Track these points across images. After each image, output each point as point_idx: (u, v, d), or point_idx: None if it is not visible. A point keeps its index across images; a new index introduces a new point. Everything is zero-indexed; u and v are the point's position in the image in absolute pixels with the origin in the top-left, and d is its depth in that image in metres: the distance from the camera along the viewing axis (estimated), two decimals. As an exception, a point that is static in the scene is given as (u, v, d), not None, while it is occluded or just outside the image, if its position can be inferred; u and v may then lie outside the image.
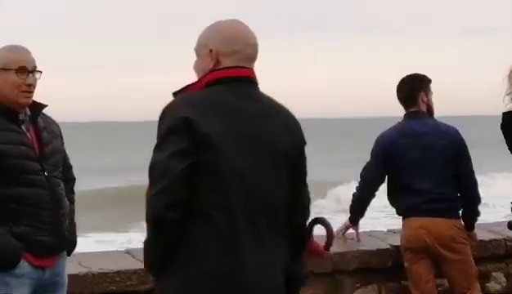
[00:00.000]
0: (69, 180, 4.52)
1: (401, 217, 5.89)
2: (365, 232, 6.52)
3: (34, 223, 4.14)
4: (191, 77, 3.51)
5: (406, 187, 5.75)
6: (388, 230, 6.75)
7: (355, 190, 6.03)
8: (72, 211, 4.46)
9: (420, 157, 5.72)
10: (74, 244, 4.48)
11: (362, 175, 5.95)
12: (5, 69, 4.20)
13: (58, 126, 4.46)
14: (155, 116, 3.35)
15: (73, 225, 4.46)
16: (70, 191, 4.51)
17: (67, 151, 4.54)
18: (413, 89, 5.88)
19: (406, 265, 5.82)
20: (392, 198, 5.89)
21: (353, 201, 6.04)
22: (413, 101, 5.86)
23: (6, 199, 4.09)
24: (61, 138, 4.45)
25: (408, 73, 5.99)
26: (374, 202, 6.04)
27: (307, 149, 3.56)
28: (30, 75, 4.21)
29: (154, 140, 3.32)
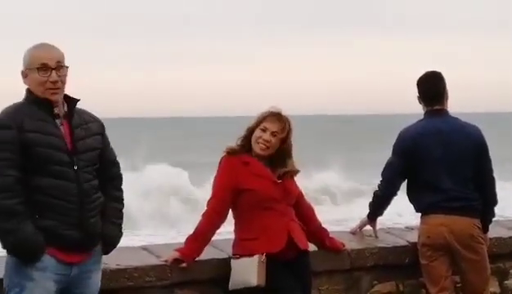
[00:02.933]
0: (114, 177, 4.52)
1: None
2: (383, 229, 6.51)
3: (60, 217, 4.16)
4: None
5: (427, 184, 5.72)
6: (406, 227, 6.73)
7: (376, 188, 6.00)
8: (114, 209, 4.46)
9: (443, 155, 5.68)
10: (110, 243, 4.47)
11: (383, 173, 5.91)
12: (29, 69, 4.27)
13: (99, 124, 4.46)
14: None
15: (112, 223, 4.43)
16: (115, 189, 4.50)
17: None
18: (439, 86, 5.83)
19: (423, 261, 5.79)
20: (413, 194, 5.85)
21: (373, 198, 6.01)
22: (439, 98, 5.81)
23: (32, 189, 4.11)
24: (102, 135, 4.45)
25: (430, 70, 5.92)
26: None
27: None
28: (53, 72, 4.24)
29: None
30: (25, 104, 4.24)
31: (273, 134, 5.18)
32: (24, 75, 4.28)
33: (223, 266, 5.26)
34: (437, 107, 5.80)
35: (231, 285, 5.18)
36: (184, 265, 5.18)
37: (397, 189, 5.90)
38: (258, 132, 5.20)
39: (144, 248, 5.71)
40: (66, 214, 4.17)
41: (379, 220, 6.14)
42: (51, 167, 4.15)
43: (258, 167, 5.18)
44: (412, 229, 6.57)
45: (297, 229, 5.25)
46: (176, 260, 5.19)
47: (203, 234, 5.18)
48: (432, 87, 5.83)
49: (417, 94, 5.89)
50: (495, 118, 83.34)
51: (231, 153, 5.21)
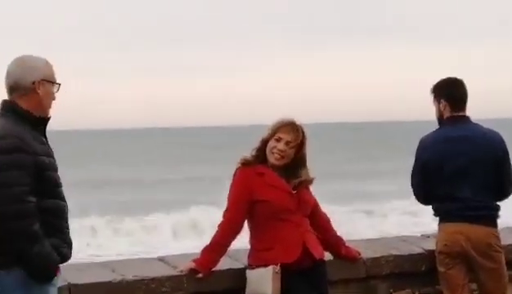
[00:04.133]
0: None
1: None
2: (398, 237, 6.50)
3: (60, 235, 4.25)
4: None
5: (446, 192, 5.68)
6: (422, 235, 6.72)
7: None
8: None
9: (464, 162, 5.64)
10: None
11: (411, 180, 5.87)
12: (50, 82, 4.29)
13: None
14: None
15: None
16: None
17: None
18: (464, 93, 5.79)
19: (440, 269, 5.78)
20: (432, 201, 5.81)
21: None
22: (463, 105, 5.77)
23: (43, 211, 4.15)
24: None
25: (452, 76, 5.86)
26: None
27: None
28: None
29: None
30: (20, 123, 4.19)
31: (288, 143, 5.18)
32: (38, 86, 4.23)
33: (239, 277, 5.27)
34: (460, 113, 5.76)
35: None
36: (200, 275, 5.20)
37: (428, 192, 5.79)
38: (272, 143, 5.20)
39: (160, 259, 5.73)
40: (64, 233, 4.28)
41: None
42: (57, 190, 4.24)
43: (273, 178, 5.19)
44: (428, 236, 6.57)
45: (312, 239, 5.26)
46: (192, 271, 5.21)
47: (219, 245, 5.20)
48: (458, 93, 5.78)
49: (438, 99, 5.79)
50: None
51: (245, 164, 5.22)
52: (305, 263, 5.15)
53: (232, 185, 5.24)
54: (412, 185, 5.87)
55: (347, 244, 5.68)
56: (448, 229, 5.72)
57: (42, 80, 4.26)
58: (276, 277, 5.06)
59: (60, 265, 4.28)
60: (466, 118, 5.78)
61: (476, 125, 5.79)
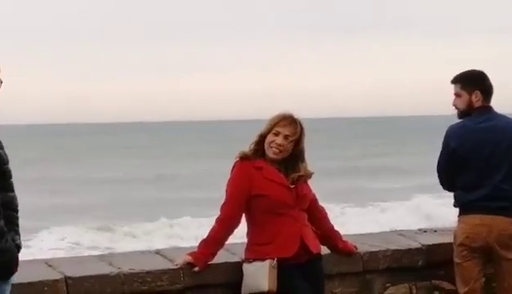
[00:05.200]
0: None
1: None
2: (395, 231, 6.50)
3: (15, 227, 4.19)
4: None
5: (469, 182, 5.66)
6: (419, 229, 6.72)
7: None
8: None
9: (489, 153, 5.62)
10: None
11: (437, 167, 5.85)
12: None
13: None
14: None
15: None
16: None
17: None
18: (492, 85, 5.80)
19: (456, 260, 5.74)
20: (455, 191, 5.77)
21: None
22: (490, 97, 5.78)
23: (5, 205, 4.10)
24: None
25: (476, 69, 5.85)
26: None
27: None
28: None
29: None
30: None
31: (286, 137, 5.18)
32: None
33: (236, 270, 5.27)
34: (489, 104, 5.76)
35: (244, 289, 5.20)
36: (196, 269, 5.20)
37: (451, 183, 5.77)
38: (270, 137, 5.20)
39: (157, 252, 5.73)
40: (17, 224, 4.22)
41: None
42: (11, 182, 4.20)
43: (271, 172, 5.19)
44: (425, 231, 6.57)
45: (309, 234, 5.26)
46: (188, 264, 5.21)
47: (216, 239, 5.19)
48: (490, 84, 5.78)
49: (470, 90, 5.73)
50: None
51: (244, 158, 5.22)
52: (302, 257, 5.15)
53: (231, 179, 5.23)
54: (438, 172, 5.86)
55: (344, 238, 5.68)
56: (471, 220, 5.66)
57: None
58: (273, 271, 5.06)
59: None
60: (492, 109, 5.78)
61: (502, 115, 5.79)
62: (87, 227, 22.95)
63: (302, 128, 5.24)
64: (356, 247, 5.76)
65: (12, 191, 4.21)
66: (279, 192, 5.16)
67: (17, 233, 4.21)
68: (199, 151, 61.13)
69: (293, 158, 5.24)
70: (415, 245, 6.14)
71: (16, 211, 4.23)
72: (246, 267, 5.20)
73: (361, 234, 6.55)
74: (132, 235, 22.31)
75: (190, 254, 5.23)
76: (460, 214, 5.77)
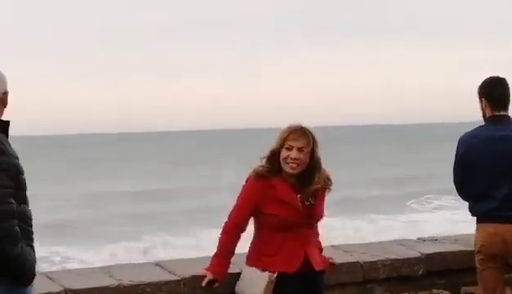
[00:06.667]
0: None
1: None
2: (395, 240, 6.50)
3: (30, 242, 4.15)
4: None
5: (484, 191, 5.62)
6: (419, 238, 6.72)
7: None
8: None
9: (502, 162, 5.58)
10: None
11: (453, 177, 5.80)
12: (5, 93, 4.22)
13: None
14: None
15: None
16: None
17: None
18: (502, 93, 5.70)
19: (479, 267, 5.70)
20: (470, 200, 5.75)
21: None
22: (502, 105, 5.69)
23: (20, 217, 4.07)
24: None
25: (495, 75, 5.77)
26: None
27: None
28: None
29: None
30: None
31: (300, 150, 5.07)
32: (7, 96, 4.21)
33: (236, 281, 5.24)
34: (502, 112, 5.68)
35: (237, 289, 5.19)
36: (217, 284, 5.16)
37: (469, 191, 5.72)
38: (284, 153, 5.07)
39: (157, 264, 5.72)
40: (32, 240, 4.18)
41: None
42: (26, 194, 4.15)
43: (283, 192, 5.08)
44: (424, 240, 6.56)
45: (314, 251, 5.19)
46: (211, 281, 5.15)
47: (227, 249, 5.15)
48: (496, 92, 5.69)
49: (480, 98, 5.71)
50: None
51: (259, 177, 5.10)
52: (304, 273, 5.10)
53: (242, 192, 5.16)
54: (454, 182, 5.81)
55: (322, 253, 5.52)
56: (486, 229, 5.63)
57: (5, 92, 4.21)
58: (270, 286, 5.03)
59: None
60: (506, 118, 5.70)
61: None
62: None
63: (313, 137, 5.14)
64: (332, 261, 5.51)
65: (27, 203, 4.14)
66: (288, 213, 5.06)
67: (32, 248, 4.15)
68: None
69: (310, 170, 5.13)
70: (414, 254, 6.13)
71: (31, 225, 4.17)
72: (246, 271, 5.17)
73: (360, 244, 6.54)
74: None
75: (207, 269, 5.18)
76: (477, 222, 5.73)
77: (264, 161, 5.14)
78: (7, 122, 4.20)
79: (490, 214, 5.60)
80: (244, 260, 5.26)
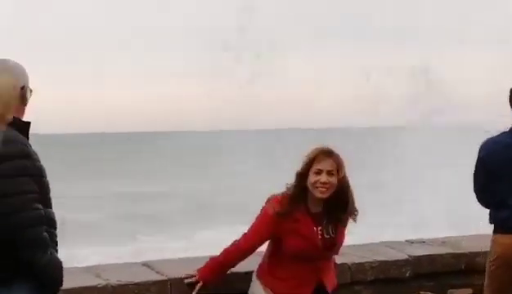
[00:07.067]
0: None
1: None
2: (383, 242, 6.50)
3: (55, 245, 4.05)
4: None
5: (501, 200, 5.55)
6: (407, 240, 6.72)
7: None
8: None
9: None
10: None
11: (473, 186, 5.75)
12: (28, 86, 4.13)
13: None
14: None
15: None
16: None
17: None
18: None
19: (489, 276, 5.61)
20: (489, 206, 5.67)
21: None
22: None
23: (47, 222, 3.98)
24: None
25: None
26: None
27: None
28: None
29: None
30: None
31: (329, 173, 4.90)
32: (28, 91, 4.09)
33: (226, 283, 5.25)
34: None
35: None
36: (199, 286, 5.14)
37: (486, 197, 5.68)
38: (313, 177, 4.90)
39: (144, 264, 5.71)
40: (57, 243, 4.08)
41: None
42: (50, 197, 4.05)
43: (305, 227, 4.94)
44: (412, 242, 6.57)
45: (329, 275, 5.11)
46: (195, 283, 5.15)
47: (221, 266, 5.12)
48: None
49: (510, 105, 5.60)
50: None
51: (280, 215, 4.93)
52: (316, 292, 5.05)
53: (260, 218, 5.00)
54: (474, 191, 5.74)
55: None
56: (501, 240, 5.55)
57: (28, 86, 4.11)
58: None
59: None
60: None
61: None
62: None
63: (340, 159, 4.96)
64: None
65: (50, 206, 4.04)
66: (307, 247, 4.94)
67: (56, 251, 4.05)
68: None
69: (339, 194, 4.96)
70: (402, 256, 6.14)
71: (55, 228, 4.06)
72: (256, 283, 5.11)
73: (348, 245, 6.55)
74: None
75: (197, 271, 5.16)
76: (494, 232, 5.64)
77: (291, 189, 4.96)
78: (28, 123, 4.09)
79: (506, 224, 5.51)
80: (256, 266, 5.19)
